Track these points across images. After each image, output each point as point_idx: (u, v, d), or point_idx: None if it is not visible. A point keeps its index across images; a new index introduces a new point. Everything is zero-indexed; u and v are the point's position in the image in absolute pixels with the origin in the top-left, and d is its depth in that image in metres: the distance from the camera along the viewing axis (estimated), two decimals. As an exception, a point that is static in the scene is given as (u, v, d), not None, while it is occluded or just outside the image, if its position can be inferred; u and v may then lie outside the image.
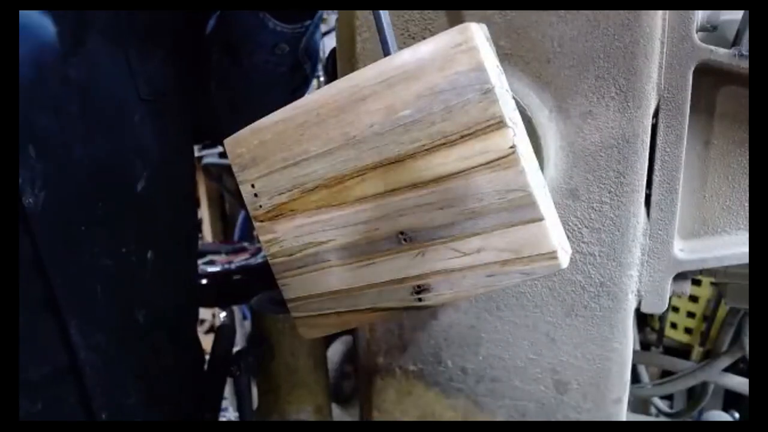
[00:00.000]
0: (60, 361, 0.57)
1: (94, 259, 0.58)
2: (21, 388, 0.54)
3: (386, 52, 0.40)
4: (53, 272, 0.54)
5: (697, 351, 1.16)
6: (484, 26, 0.36)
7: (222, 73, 0.70)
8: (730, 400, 1.09)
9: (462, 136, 0.36)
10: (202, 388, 0.78)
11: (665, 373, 0.94)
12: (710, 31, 0.48)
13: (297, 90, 0.73)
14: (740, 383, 0.78)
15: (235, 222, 2.25)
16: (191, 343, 0.78)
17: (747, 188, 0.49)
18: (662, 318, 1.07)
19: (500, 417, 0.59)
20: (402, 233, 0.39)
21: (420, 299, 0.40)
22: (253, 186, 0.44)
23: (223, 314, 1.57)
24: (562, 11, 0.45)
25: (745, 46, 0.44)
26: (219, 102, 0.74)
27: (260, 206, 0.44)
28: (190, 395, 0.75)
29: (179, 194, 0.71)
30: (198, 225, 2.48)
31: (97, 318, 0.59)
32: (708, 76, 0.47)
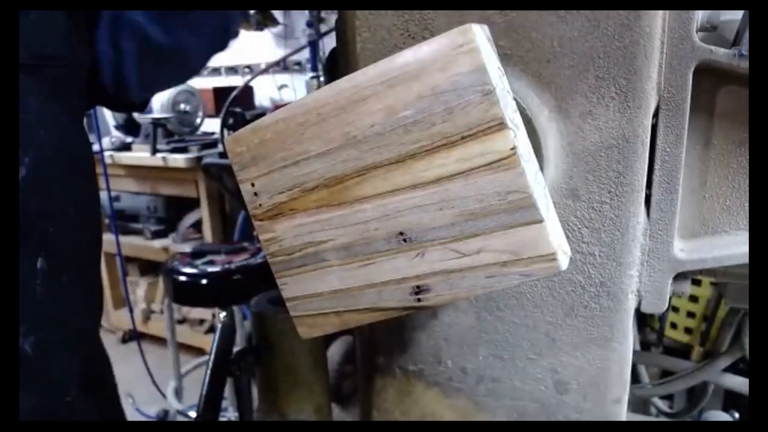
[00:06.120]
0: None
1: None
2: None
3: None
4: None
5: (697, 351, 1.16)
6: (485, 27, 0.36)
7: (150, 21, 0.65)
8: (730, 400, 1.09)
9: (462, 137, 0.36)
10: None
11: (665, 373, 0.93)
12: (710, 31, 0.48)
13: (229, 29, 0.70)
14: (740, 383, 0.78)
15: (235, 222, 2.25)
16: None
17: (747, 188, 0.49)
18: (662, 318, 1.07)
19: (500, 417, 0.59)
20: (402, 233, 0.39)
21: (419, 299, 0.40)
22: (253, 185, 0.44)
23: (223, 314, 1.56)
24: (562, 11, 0.45)
25: (745, 46, 0.44)
26: (143, 53, 0.67)
27: (260, 205, 0.44)
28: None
29: (74, 182, 0.60)
30: (198, 224, 2.48)
31: None
32: (708, 76, 0.47)
